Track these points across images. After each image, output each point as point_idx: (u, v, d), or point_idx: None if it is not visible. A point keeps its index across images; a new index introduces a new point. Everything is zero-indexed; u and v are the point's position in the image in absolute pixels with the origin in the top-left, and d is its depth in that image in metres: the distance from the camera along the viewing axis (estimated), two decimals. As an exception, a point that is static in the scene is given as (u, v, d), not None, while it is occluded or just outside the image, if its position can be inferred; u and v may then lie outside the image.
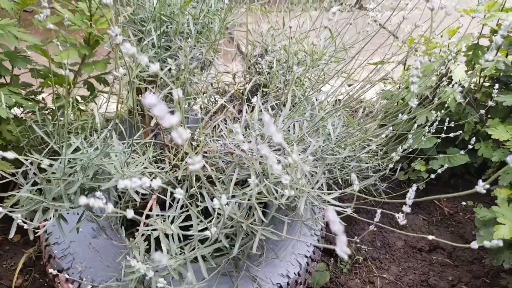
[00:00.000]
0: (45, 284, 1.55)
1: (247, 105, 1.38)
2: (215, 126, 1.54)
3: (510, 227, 1.33)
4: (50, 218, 0.83)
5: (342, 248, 0.36)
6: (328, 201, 0.94)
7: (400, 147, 1.19)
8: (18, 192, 0.81)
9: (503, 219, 1.36)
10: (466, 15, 1.71)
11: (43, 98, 1.67)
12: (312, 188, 0.88)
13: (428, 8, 0.76)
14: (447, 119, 1.59)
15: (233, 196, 0.98)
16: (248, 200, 0.93)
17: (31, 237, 0.84)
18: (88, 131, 1.40)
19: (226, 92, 1.87)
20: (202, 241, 0.96)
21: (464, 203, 2.01)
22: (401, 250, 1.84)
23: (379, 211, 0.82)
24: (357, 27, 1.69)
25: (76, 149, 0.99)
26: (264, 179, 0.91)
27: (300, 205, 0.85)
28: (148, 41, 1.41)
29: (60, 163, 0.82)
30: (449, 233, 1.93)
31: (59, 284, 1.35)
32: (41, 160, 0.84)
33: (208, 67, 1.62)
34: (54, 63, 1.54)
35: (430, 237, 0.65)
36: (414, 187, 0.67)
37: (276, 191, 0.90)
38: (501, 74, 1.89)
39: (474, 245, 0.57)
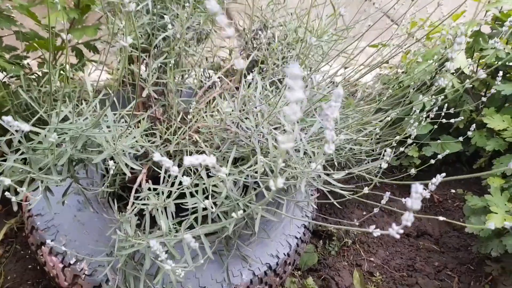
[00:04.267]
0: (27, 256, 1.50)
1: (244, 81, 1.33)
2: (209, 101, 1.49)
3: (502, 216, 1.33)
4: (39, 191, 0.79)
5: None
6: (328, 183, 0.91)
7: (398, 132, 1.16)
8: (3, 161, 0.76)
9: (496, 208, 1.36)
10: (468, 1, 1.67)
11: (28, 64, 1.58)
12: (311, 168, 0.85)
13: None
14: (446, 105, 1.57)
15: (229, 174, 0.94)
16: (245, 179, 0.89)
17: (15, 208, 0.79)
18: (75, 99, 1.33)
19: (221, 68, 1.81)
20: (194, 219, 0.92)
21: (453, 190, 2.02)
22: (389, 235, 1.84)
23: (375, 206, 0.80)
24: (358, 8, 1.64)
25: (64, 119, 0.93)
26: (262, 158, 0.88)
27: (301, 186, 0.82)
28: (142, 7, 1.34)
29: (48, 132, 0.77)
30: (437, 219, 1.94)
31: (41, 256, 1.30)
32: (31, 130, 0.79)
33: (204, 40, 1.55)
34: (41, 26, 1.46)
35: (442, 218, 0.62)
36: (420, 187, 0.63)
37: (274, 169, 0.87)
38: (499, 63, 1.87)
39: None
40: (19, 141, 0.78)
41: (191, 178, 0.61)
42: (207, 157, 0.36)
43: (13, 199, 0.54)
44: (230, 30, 0.32)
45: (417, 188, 0.38)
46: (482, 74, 0.75)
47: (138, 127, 1.03)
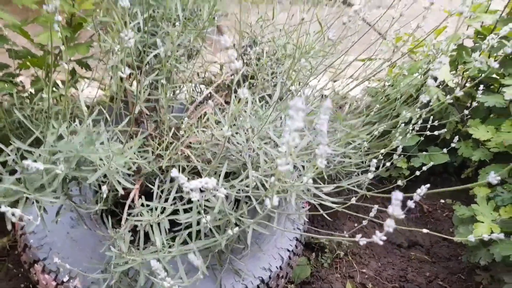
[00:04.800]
0: (19, 275, 1.49)
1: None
2: (200, 116, 1.51)
3: (489, 225, 1.36)
4: (33, 209, 0.80)
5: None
6: (318, 195, 0.93)
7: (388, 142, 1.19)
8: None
9: (482, 217, 1.39)
10: (451, 16, 1.73)
11: (21, 81, 1.60)
12: (302, 182, 0.87)
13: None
14: (431, 118, 1.61)
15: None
16: (237, 193, 0.91)
17: (9, 227, 0.80)
18: (68, 116, 1.34)
19: (212, 83, 1.83)
20: (188, 235, 0.94)
21: (442, 200, 2.05)
22: (381, 246, 1.87)
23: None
24: (343, 23, 1.68)
25: (59, 137, 0.94)
26: (254, 172, 0.90)
27: (291, 199, 0.84)
28: (134, 25, 1.37)
29: (42, 152, 0.78)
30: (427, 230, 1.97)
31: (34, 275, 1.30)
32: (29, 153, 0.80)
33: (195, 56, 1.58)
34: (33, 44, 1.48)
35: (425, 230, 0.65)
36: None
37: (266, 182, 0.89)
38: (482, 75, 1.92)
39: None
40: (14, 161, 0.79)
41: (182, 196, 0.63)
42: (209, 179, 0.39)
43: (12, 219, 0.55)
44: (238, 63, 0.35)
45: (397, 195, 0.41)
46: (459, 92, 0.79)
47: (130, 144, 1.05)
